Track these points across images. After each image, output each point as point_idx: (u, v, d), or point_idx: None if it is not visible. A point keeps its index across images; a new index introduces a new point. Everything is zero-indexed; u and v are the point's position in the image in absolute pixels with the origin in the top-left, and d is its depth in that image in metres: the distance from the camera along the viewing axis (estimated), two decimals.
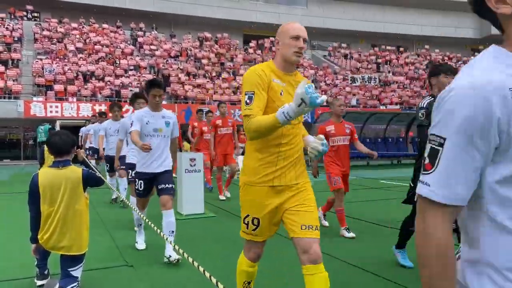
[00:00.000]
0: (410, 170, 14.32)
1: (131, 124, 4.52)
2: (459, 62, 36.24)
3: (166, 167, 4.49)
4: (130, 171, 5.82)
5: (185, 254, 2.62)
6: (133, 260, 4.46)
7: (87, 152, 11.82)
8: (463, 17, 39.22)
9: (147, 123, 4.44)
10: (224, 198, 8.57)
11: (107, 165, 8.02)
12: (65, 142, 3.19)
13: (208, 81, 25.90)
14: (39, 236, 3.15)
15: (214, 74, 27.18)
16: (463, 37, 39.77)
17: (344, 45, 36.92)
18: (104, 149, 8.24)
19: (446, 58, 36.74)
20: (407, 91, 30.18)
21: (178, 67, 26.39)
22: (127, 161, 6.04)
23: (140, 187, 4.50)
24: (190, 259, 2.52)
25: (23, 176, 13.45)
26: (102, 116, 10.56)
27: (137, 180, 4.53)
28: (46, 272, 3.67)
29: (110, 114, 8.21)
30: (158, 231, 3.21)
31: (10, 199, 8.82)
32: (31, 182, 3.15)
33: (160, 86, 4.46)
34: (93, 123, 12.25)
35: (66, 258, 3.12)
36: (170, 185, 4.42)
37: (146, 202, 4.80)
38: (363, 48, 37.48)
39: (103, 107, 18.61)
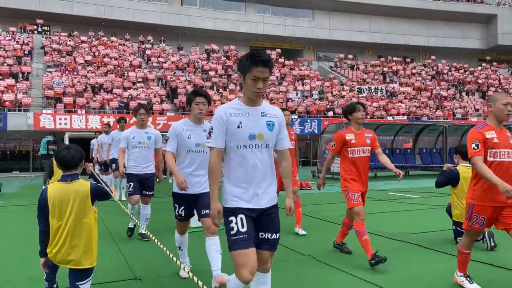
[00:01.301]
0: (418, 181, 14.21)
1: (210, 132, 2.80)
2: (466, 73, 36.14)
3: (273, 201, 2.88)
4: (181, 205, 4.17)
5: (190, 273, 2.61)
6: (141, 274, 4.45)
7: (100, 168, 11.11)
8: (470, 27, 39.22)
9: (239, 127, 2.74)
10: (304, 232, 6.32)
11: (129, 185, 6.02)
12: (73, 156, 3.22)
13: (215, 93, 26.05)
14: (48, 250, 3.16)
15: (221, 85, 27.34)
16: (469, 47, 39.71)
17: (350, 56, 37.02)
18: (124, 165, 6.20)
19: (453, 68, 36.66)
20: (414, 101, 30.09)
21: (186, 79, 26.58)
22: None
23: (242, 227, 2.73)
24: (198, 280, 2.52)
25: (32, 189, 13.54)
26: (121, 122, 9.25)
27: (239, 217, 2.75)
28: (55, 286, 3.67)
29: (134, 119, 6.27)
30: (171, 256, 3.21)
31: (19, 212, 8.88)
32: (40, 197, 3.17)
33: (268, 64, 2.77)
34: (106, 132, 11.05)
35: (75, 272, 3.13)
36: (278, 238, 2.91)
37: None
38: (370, 59, 37.53)
39: (111, 119, 18.72)
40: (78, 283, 3.13)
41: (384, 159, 4.87)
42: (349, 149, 4.80)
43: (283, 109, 6.41)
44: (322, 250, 5.33)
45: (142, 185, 6.01)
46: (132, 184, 5.97)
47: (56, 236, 3.13)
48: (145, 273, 4.49)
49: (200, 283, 2.51)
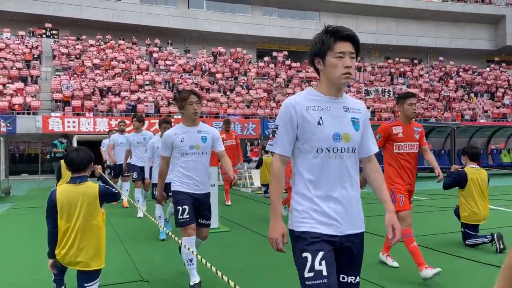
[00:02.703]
0: (426, 183, 14.06)
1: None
2: (475, 74, 35.85)
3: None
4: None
5: (202, 259, 2.62)
6: (148, 275, 4.47)
7: (109, 172, 9.92)
8: (478, 28, 38.94)
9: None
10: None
11: (181, 209, 3.99)
12: (82, 159, 3.25)
13: (222, 95, 26.12)
14: (56, 252, 3.19)
15: (228, 88, 27.40)
16: (478, 48, 39.42)
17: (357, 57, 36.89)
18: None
19: (461, 70, 36.39)
20: (422, 103, 29.93)
21: (193, 82, 26.68)
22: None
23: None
24: (212, 267, 2.52)
25: (41, 191, 13.64)
26: (140, 121, 8.27)
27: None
28: (63, 287, 3.70)
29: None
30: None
31: (28, 214, 8.95)
32: (49, 198, 3.20)
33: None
34: (121, 131, 9.73)
35: (83, 274, 3.16)
36: None
37: None
38: (377, 61, 37.39)
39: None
40: (86, 285, 3.16)
41: None
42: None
43: (407, 95, 4.77)
44: None
45: (198, 209, 4.09)
46: (186, 208, 3.95)
47: (64, 238, 3.16)
48: (152, 275, 4.51)
49: (226, 278, 2.52)
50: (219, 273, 2.70)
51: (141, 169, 7.97)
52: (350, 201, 2.18)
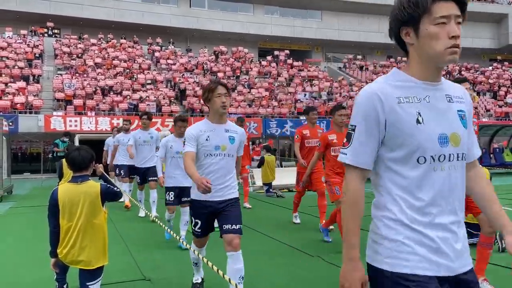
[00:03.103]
0: None
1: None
2: (477, 73, 35.77)
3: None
4: None
5: (204, 259, 2.61)
6: (150, 275, 4.47)
7: (118, 172, 9.13)
8: (480, 27, 38.84)
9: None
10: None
11: (194, 222, 3.71)
12: (83, 158, 3.25)
13: None
14: (58, 251, 3.19)
15: (230, 87, 27.43)
16: (480, 47, 39.32)
17: (359, 56, 36.86)
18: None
19: (463, 68, 36.31)
20: None
21: (194, 81, 26.68)
22: None
23: None
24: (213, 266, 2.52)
25: (43, 190, 13.66)
26: (151, 118, 7.69)
27: None
28: (65, 286, 3.70)
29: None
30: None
31: (30, 213, 8.96)
32: (51, 198, 3.21)
33: None
34: (126, 130, 9.23)
35: (85, 272, 3.16)
36: None
37: None
38: (379, 59, 37.34)
39: (121, 121, 18.79)
40: (88, 283, 3.16)
41: None
42: None
43: (461, 80, 4.15)
44: (332, 251, 5.30)
45: (218, 217, 3.62)
46: (198, 222, 3.66)
47: (66, 237, 3.16)
48: (154, 273, 4.51)
49: (227, 278, 2.51)
50: (220, 273, 2.69)
51: (144, 172, 7.89)
52: (461, 228, 1.58)
